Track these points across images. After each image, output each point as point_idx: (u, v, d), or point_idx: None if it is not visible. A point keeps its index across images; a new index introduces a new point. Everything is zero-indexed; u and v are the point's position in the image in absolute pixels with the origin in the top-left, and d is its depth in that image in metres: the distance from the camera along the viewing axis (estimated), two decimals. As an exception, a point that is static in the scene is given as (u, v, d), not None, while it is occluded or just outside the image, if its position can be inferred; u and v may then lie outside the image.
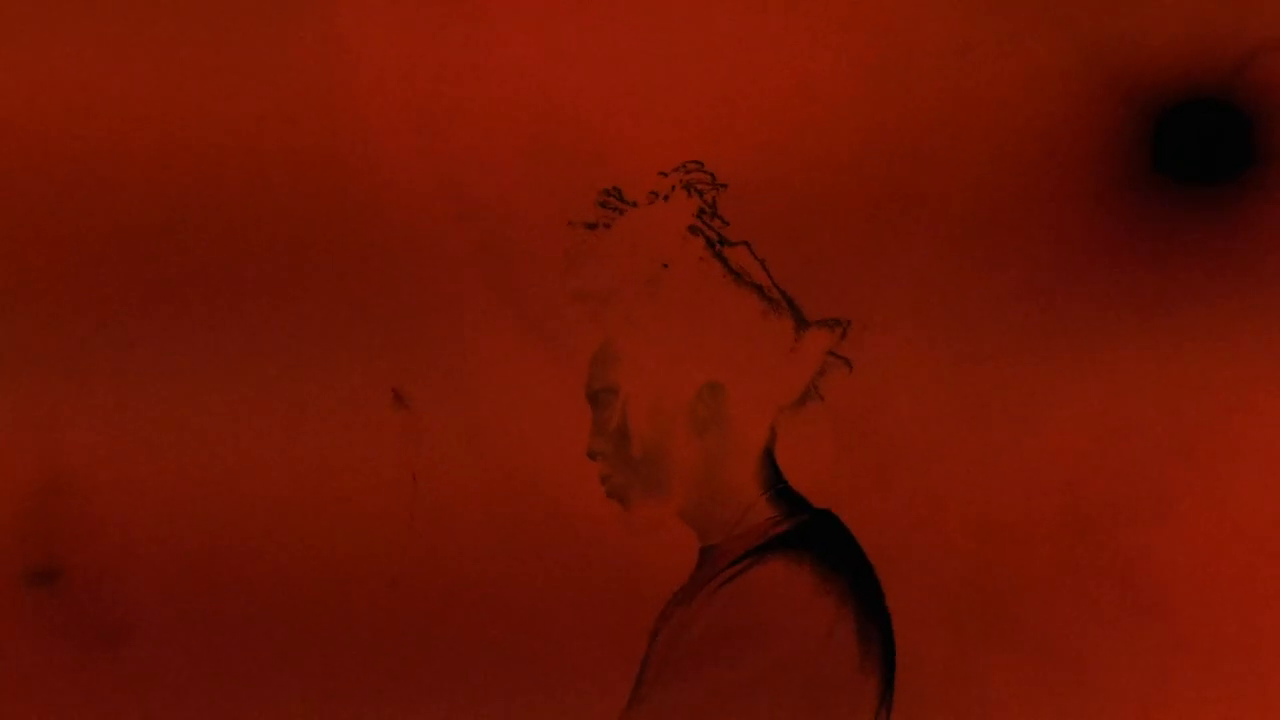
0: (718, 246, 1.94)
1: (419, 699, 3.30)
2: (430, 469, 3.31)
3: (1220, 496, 3.25)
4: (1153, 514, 3.27)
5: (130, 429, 3.32)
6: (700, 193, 1.95)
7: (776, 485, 1.95)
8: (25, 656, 3.32)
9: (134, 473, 3.33)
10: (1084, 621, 3.27)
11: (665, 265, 1.90)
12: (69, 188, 3.30)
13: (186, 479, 3.33)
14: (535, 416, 3.17)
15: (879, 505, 3.29)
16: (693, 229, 1.93)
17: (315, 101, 3.28)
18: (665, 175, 1.95)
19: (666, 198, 1.94)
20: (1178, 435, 3.28)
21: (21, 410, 3.32)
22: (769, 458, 1.96)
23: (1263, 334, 3.24)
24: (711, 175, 1.96)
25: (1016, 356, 3.30)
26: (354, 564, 3.32)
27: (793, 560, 1.79)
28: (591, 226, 1.94)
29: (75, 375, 3.32)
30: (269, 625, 3.31)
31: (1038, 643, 3.28)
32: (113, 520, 3.36)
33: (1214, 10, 3.20)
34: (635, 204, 1.95)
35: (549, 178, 3.25)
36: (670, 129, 3.26)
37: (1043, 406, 3.30)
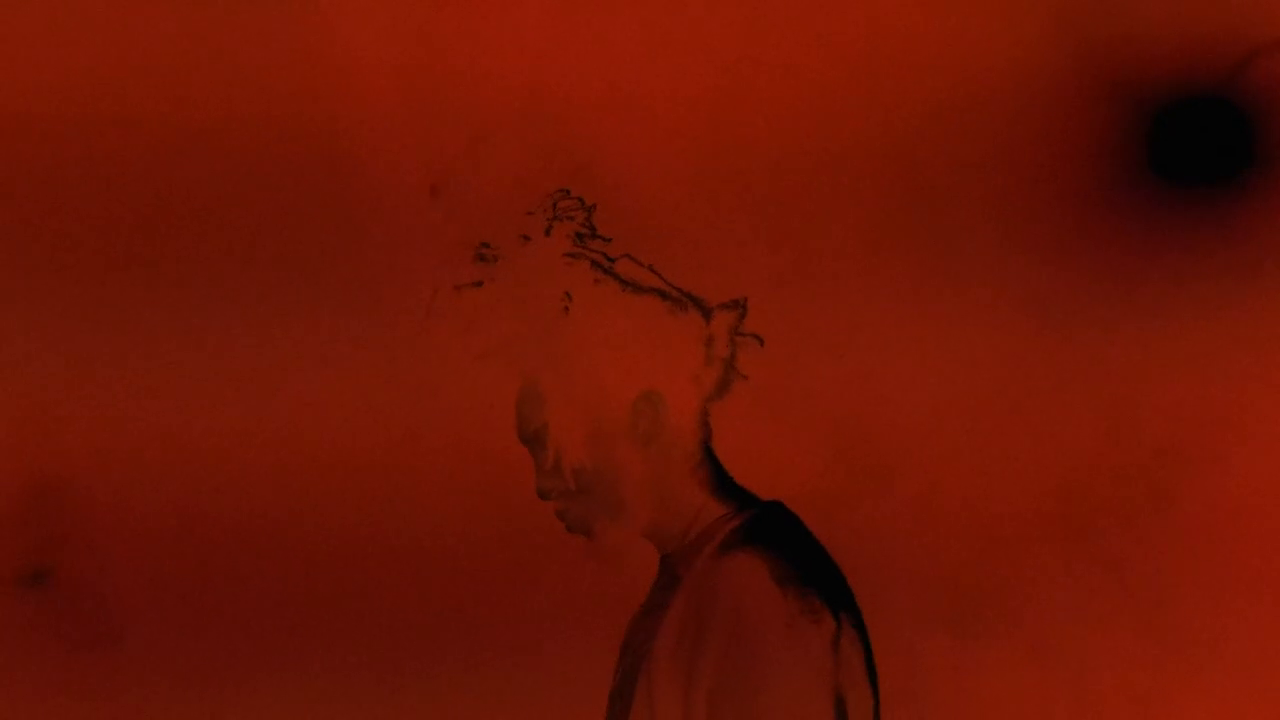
0: (605, 264, 1.94)
1: (415, 698, 3.30)
2: (414, 464, 3.31)
3: (1219, 496, 3.26)
4: (1151, 514, 3.27)
5: (122, 430, 3.30)
6: (571, 218, 1.95)
7: (723, 482, 1.95)
8: (16, 658, 3.31)
9: (125, 474, 3.31)
10: (1083, 621, 3.27)
11: (569, 295, 1.91)
12: (64, 185, 3.29)
13: (178, 480, 3.31)
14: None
15: (879, 505, 3.28)
16: (572, 254, 1.93)
17: (303, 97, 3.28)
18: (532, 214, 1.96)
19: (548, 231, 1.94)
20: (1176, 435, 3.28)
21: (12, 412, 3.31)
22: (709, 454, 1.97)
23: (1260, 333, 3.24)
24: (580, 199, 1.96)
25: (1014, 357, 3.30)
26: (346, 566, 3.31)
27: (749, 554, 1.80)
28: (477, 284, 1.94)
29: (66, 377, 3.31)
30: (260, 626, 3.30)
31: (1037, 642, 3.27)
32: (104, 521, 3.35)
33: (1213, 10, 3.20)
34: (503, 254, 1.95)
35: (537, 173, 3.24)
36: (664, 125, 3.27)
37: (1041, 406, 3.30)
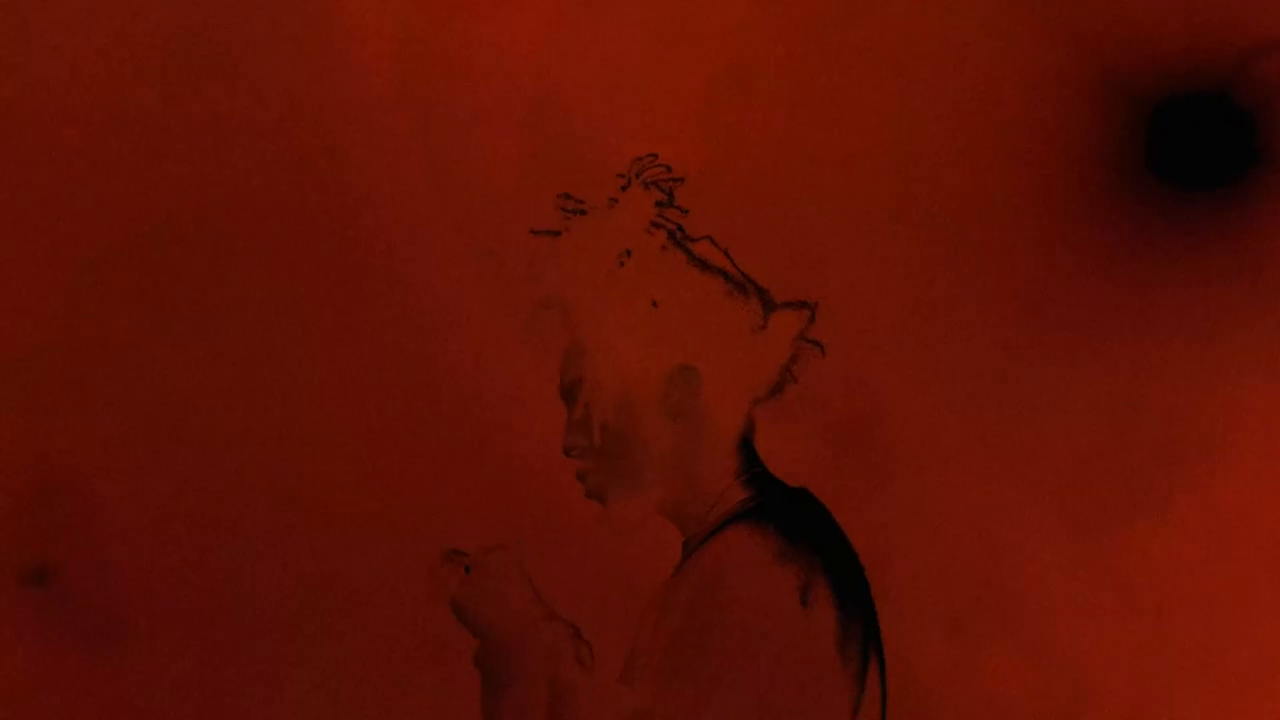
0: (679, 236, 1.94)
1: (421, 692, 3.30)
2: (418, 456, 3.31)
3: (1219, 497, 3.26)
4: (1151, 514, 3.27)
5: (127, 427, 3.31)
6: (658, 185, 1.95)
7: (754, 472, 1.93)
8: (21, 656, 3.31)
9: (130, 470, 3.32)
10: (1083, 621, 3.27)
11: (628, 252, 1.90)
12: (63, 181, 3.30)
13: (183, 477, 3.32)
14: (532, 414, 3.17)
15: (879, 505, 3.28)
16: (656, 224, 1.93)
17: (304, 89, 3.28)
18: (622, 176, 1.96)
19: (625, 188, 1.94)
20: (1175, 435, 3.28)
21: (17, 408, 3.31)
22: (747, 447, 1.95)
23: (1261, 333, 3.24)
24: (667, 167, 1.96)
25: (1014, 357, 3.30)
26: (353, 558, 3.32)
27: (755, 528, 1.78)
28: (554, 233, 1.95)
29: (68, 372, 3.31)
30: (267, 623, 3.31)
31: (1036, 643, 3.27)
32: (109, 518, 3.35)
33: (1213, 9, 3.20)
34: (591, 208, 1.96)
35: (544, 172, 3.25)
36: (667, 118, 3.27)
37: (1040, 406, 3.30)
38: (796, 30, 3.29)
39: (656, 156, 1.96)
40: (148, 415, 3.31)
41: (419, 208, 3.34)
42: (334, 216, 3.33)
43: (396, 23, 3.33)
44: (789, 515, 1.83)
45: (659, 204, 1.94)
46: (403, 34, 3.33)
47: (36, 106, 3.26)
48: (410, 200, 3.34)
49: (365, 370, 3.32)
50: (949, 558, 3.28)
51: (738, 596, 1.73)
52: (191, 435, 3.32)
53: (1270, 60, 3.22)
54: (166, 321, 3.31)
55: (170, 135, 3.29)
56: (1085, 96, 3.26)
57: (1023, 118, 3.27)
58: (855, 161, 3.28)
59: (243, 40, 3.27)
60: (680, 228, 1.95)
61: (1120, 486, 3.28)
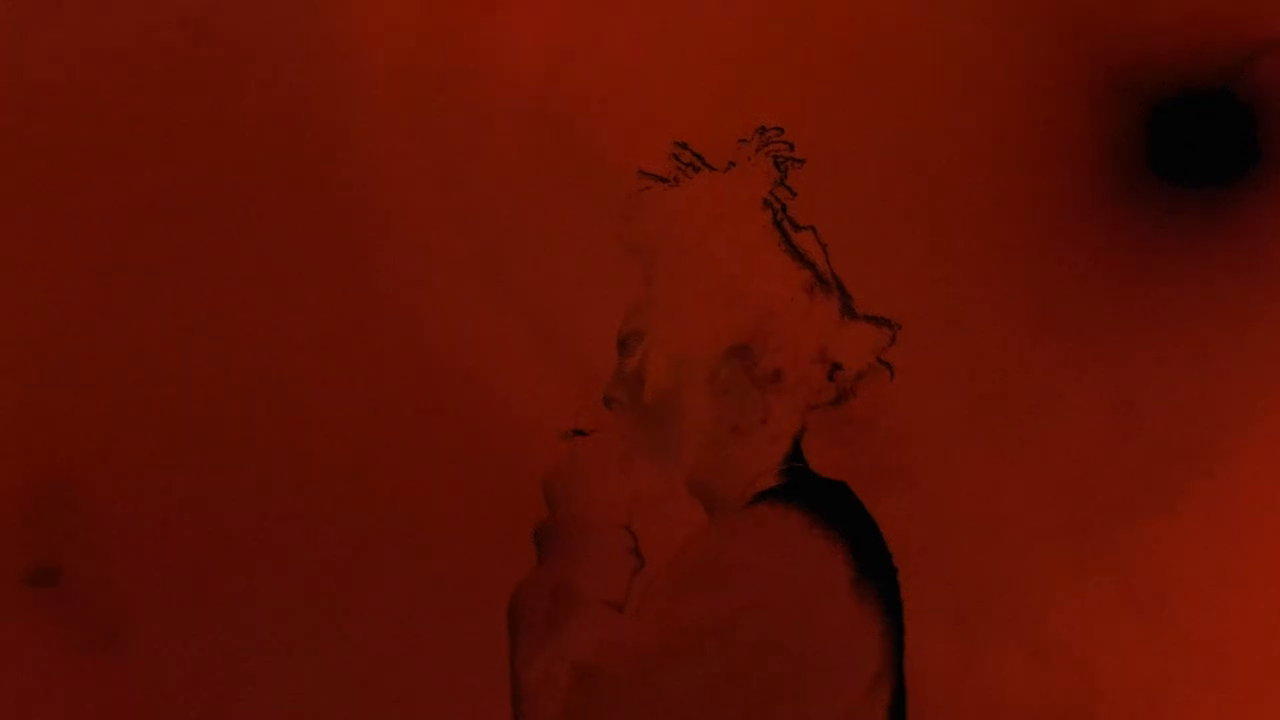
0: (780, 216, 1.88)
1: (424, 694, 3.30)
2: (420, 458, 3.31)
3: (1221, 496, 3.26)
4: (1156, 512, 3.27)
5: (127, 428, 3.32)
6: (776, 162, 1.89)
7: (792, 464, 1.88)
8: (25, 656, 3.32)
9: (131, 471, 3.32)
10: (1088, 620, 3.26)
11: (724, 218, 1.85)
12: (66, 185, 3.31)
13: (184, 478, 3.32)
14: (536, 411, 3.18)
15: (883, 504, 3.27)
16: (767, 201, 1.87)
17: (311, 93, 3.29)
18: (745, 142, 1.89)
19: (750, 157, 1.88)
20: (1179, 434, 3.28)
21: (17, 410, 3.32)
22: (794, 444, 1.90)
23: (1263, 331, 3.24)
24: (790, 144, 1.90)
25: (1019, 356, 3.30)
26: (353, 560, 3.32)
27: (782, 505, 1.72)
28: (667, 180, 1.89)
29: (70, 374, 3.32)
30: (268, 623, 3.31)
31: (1042, 639, 3.27)
32: (112, 519, 3.36)
33: (1214, 9, 3.21)
34: (701, 163, 1.90)
35: (548, 170, 3.26)
36: (669, 117, 3.27)
37: (1045, 406, 3.31)
38: (799, 29, 3.30)
39: (783, 130, 1.89)
40: (149, 415, 3.32)
41: (423, 206, 3.35)
42: (338, 215, 3.33)
43: (401, 22, 3.34)
44: (821, 503, 1.77)
45: (774, 182, 1.88)
46: (407, 33, 3.34)
47: (37, 104, 3.27)
48: (415, 198, 3.35)
49: (369, 368, 3.32)
50: (955, 554, 3.28)
51: (750, 561, 1.69)
52: (193, 435, 3.32)
53: (1270, 60, 3.22)
54: (168, 322, 3.32)
55: (172, 135, 3.30)
56: (1086, 96, 3.27)
57: (1024, 117, 3.28)
58: (860, 160, 3.29)
59: (247, 40, 3.28)
60: (784, 208, 1.89)
61: (1125, 484, 3.28)
